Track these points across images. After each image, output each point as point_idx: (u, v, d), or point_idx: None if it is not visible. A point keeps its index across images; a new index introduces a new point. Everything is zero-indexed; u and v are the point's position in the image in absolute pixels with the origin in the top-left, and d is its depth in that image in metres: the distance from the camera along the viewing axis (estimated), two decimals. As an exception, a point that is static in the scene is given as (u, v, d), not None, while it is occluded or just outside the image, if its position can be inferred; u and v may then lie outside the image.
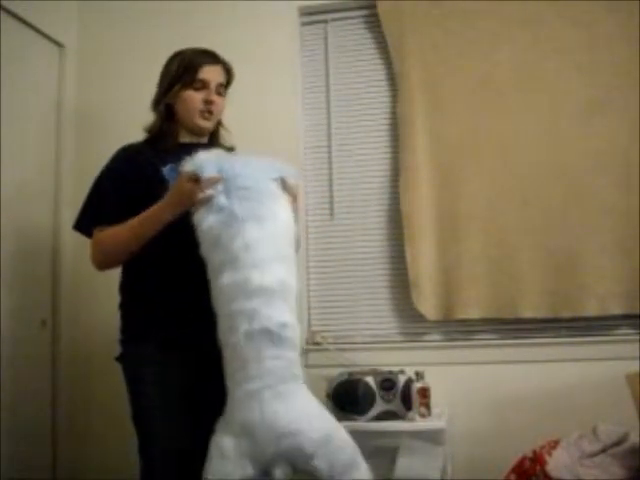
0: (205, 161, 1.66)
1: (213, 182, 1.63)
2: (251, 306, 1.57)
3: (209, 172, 1.63)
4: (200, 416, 1.69)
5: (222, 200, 1.62)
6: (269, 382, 1.56)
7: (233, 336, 1.58)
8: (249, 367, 1.56)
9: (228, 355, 1.60)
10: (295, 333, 1.64)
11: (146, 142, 1.94)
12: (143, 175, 1.83)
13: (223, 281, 1.60)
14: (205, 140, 1.98)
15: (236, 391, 1.57)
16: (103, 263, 1.85)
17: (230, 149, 2.04)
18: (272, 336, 1.57)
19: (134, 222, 1.74)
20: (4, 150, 2.38)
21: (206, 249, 1.64)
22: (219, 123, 2.02)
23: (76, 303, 2.71)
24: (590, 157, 2.47)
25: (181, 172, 1.68)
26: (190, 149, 1.90)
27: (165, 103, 1.92)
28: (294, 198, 1.77)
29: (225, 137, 2.03)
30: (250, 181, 1.65)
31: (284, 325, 1.59)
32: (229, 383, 1.60)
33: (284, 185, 1.73)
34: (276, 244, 1.64)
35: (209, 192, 1.62)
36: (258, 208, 1.63)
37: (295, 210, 1.77)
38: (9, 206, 2.40)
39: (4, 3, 2.40)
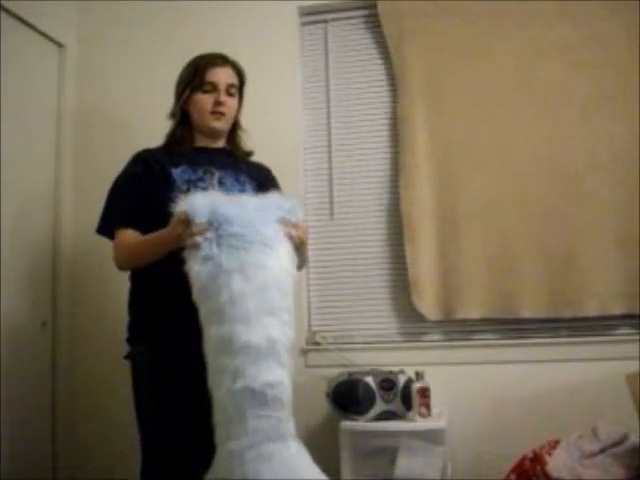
0: (198, 205, 1.60)
1: (201, 230, 1.58)
2: (235, 364, 1.51)
3: (200, 217, 1.57)
4: (204, 416, 1.69)
5: (211, 249, 1.56)
6: (252, 441, 1.49)
7: (217, 392, 1.54)
8: (232, 425, 1.51)
9: (214, 409, 1.55)
10: (284, 391, 1.56)
11: (162, 147, 1.98)
12: (154, 176, 1.86)
13: (210, 334, 1.56)
14: (221, 144, 2.01)
15: (220, 449, 1.53)
16: (123, 267, 1.87)
17: (248, 154, 2.05)
18: (256, 395, 1.51)
19: (142, 243, 1.78)
20: (4, 150, 2.38)
21: (196, 296, 1.59)
22: (236, 125, 2.03)
23: (76, 303, 2.71)
24: (590, 157, 2.47)
25: (175, 212, 1.63)
26: (205, 153, 1.93)
27: (179, 109, 1.95)
28: (299, 234, 1.71)
29: (244, 139, 2.05)
30: (243, 228, 1.58)
31: (270, 385, 1.52)
32: (215, 438, 1.55)
33: (286, 225, 1.67)
34: (265, 297, 1.56)
35: (197, 239, 1.57)
36: (248, 259, 1.56)
37: (301, 244, 1.73)
38: (9, 206, 2.40)
39: (4, 3, 2.39)
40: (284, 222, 1.66)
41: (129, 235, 1.82)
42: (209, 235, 1.57)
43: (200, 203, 1.60)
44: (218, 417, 1.54)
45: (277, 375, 1.54)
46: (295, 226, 1.69)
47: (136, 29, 2.86)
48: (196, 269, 1.57)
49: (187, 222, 1.59)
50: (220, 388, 1.53)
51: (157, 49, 2.80)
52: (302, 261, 1.83)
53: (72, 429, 2.65)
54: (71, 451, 2.63)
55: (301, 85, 2.79)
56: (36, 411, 2.51)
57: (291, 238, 1.67)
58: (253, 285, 1.55)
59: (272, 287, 1.58)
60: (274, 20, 2.77)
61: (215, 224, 1.57)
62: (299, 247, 1.72)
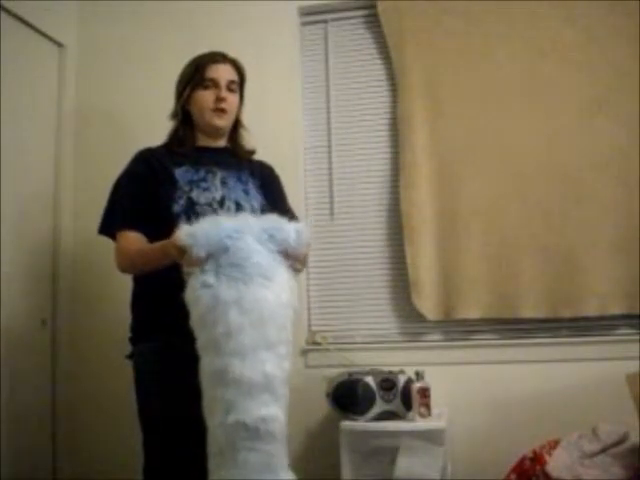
0: (198, 236, 1.55)
1: (196, 262, 1.55)
2: (228, 397, 1.50)
3: (199, 250, 1.53)
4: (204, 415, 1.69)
5: (209, 279, 1.53)
6: (243, 473, 1.49)
7: (210, 423, 1.53)
8: (224, 456, 1.51)
9: (207, 438, 1.55)
10: (278, 425, 1.54)
11: (164, 146, 1.97)
12: (157, 176, 1.86)
13: (205, 364, 1.55)
14: (223, 143, 2.00)
15: (211, 478, 1.53)
16: (125, 272, 1.87)
17: (250, 152, 2.05)
18: (248, 429, 1.49)
19: (143, 253, 1.77)
20: (4, 150, 2.38)
21: (193, 324, 1.57)
22: (238, 123, 2.03)
23: (76, 303, 2.71)
24: (590, 157, 2.47)
25: (176, 234, 1.59)
26: (207, 152, 1.93)
27: (181, 108, 1.95)
28: (300, 258, 1.69)
29: (246, 138, 2.04)
30: (243, 260, 1.55)
31: (263, 419, 1.51)
32: (208, 466, 1.54)
33: (289, 258, 1.63)
34: (263, 331, 1.53)
35: (192, 269, 1.56)
36: (246, 291, 1.53)
37: (301, 265, 1.71)
38: (9, 206, 2.40)
39: (4, 3, 2.39)
40: (287, 255, 1.63)
41: (131, 238, 1.82)
42: (209, 265, 1.54)
43: (201, 234, 1.56)
44: (210, 447, 1.54)
45: (271, 410, 1.53)
46: (298, 258, 1.66)
47: (136, 29, 2.86)
48: (194, 296, 1.55)
49: (183, 250, 1.56)
50: (213, 419, 1.52)
51: (157, 49, 2.80)
52: (300, 271, 1.82)
53: (72, 429, 2.65)
54: (71, 451, 2.64)
55: (301, 85, 2.79)
56: (36, 410, 2.51)
57: (294, 270, 1.65)
58: (250, 319, 1.53)
59: (270, 321, 1.55)
60: (274, 20, 2.77)
61: (215, 254, 1.55)
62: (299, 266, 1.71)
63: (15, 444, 2.32)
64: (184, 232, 1.57)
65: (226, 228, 1.57)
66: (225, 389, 1.50)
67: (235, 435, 1.49)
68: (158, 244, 1.70)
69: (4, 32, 2.40)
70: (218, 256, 1.54)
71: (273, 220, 1.66)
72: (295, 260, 1.66)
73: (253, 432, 1.49)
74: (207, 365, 1.54)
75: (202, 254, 1.54)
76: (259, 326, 1.53)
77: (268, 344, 1.54)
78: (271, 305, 1.56)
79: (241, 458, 1.49)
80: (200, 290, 1.54)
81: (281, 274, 1.60)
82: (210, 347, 1.54)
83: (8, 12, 2.43)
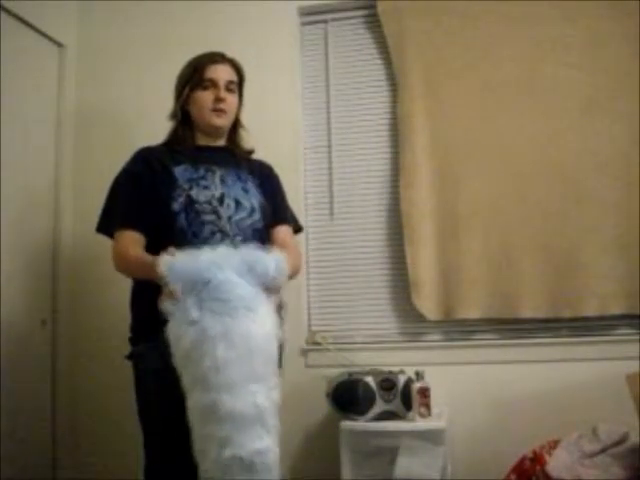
0: (176, 268, 1.55)
1: (171, 295, 1.55)
2: (222, 433, 1.50)
3: (175, 281, 1.54)
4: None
5: (193, 314, 1.53)
6: None
7: (203, 461, 1.53)
8: None
9: (200, 474, 1.54)
10: (272, 457, 1.55)
11: (164, 145, 1.98)
12: (155, 175, 1.86)
13: (194, 401, 1.54)
14: (222, 142, 2.00)
15: None
16: (119, 271, 1.86)
17: (249, 152, 2.05)
18: (244, 463, 1.50)
19: (135, 261, 1.77)
20: (4, 150, 2.38)
21: (177, 362, 1.56)
22: (237, 123, 2.03)
23: (76, 303, 2.71)
24: (590, 157, 2.47)
25: (158, 261, 1.58)
26: (206, 151, 1.93)
27: (180, 108, 1.95)
28: (279, 289, 1.69)
29: (245, 138, 2.04)
30: (226, 292, 1.55)
31: (258, 452, 1.51)
32: None
33: (270, 291, 1.64)
34: (251, 364, 1.54)
35: (170, 302, 1.55)
36: (233, 325, 1.53)
37: (280, 303, 1.71)
38: (9, 206, 2.40)
39: (4, 3, 2.39)
40: (268, 289, 1.63)
41: (128, 238, 1.82)
42: (190, 300, 1.54)
43: (178, 267, 1.55)
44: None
45: (265, 442, 1.53)
46: (277, 289, 1.67)
47: (136, 29, 2.86)
48: (178, 333, 1.54)
49: (162, 280, 1.56)
50: (207, 457, 1.52)
51: (157, 49, 2.80)
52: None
53: (72, 429, 2.65)
54: (71, 451, 2.64)
55: (301, 85, 2.79)
56: (36, 410, 2.51)
57: (276, 303, 1.66)
58: (238, 352, 1.52)
59: (257, 354, 1.55)
60: (274, 20, 2.77)
61: (196, 288, 1.54)
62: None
63: (15, 443, 2.31)
64: (162, 262, 1.57)
65: (204, 261, 1.57)
66: (217, 425, 1.50)
67: (231, 470, 1.49)
68: (151, 261, 1.68)
69: (4, 32, 2.40)
70: (199, 290, 1.54)
71: (252, 252, 1.65)
72: (274, 291, 1.66)
73: (249, 466, 1.50)
74: (196, 402, 1.53)
75: (177, 288, 1.54)
76: (247, 359, 1.53)
77: (257, 376, 1.54)
78: (257, 337, 1.56)
79: None
80: (185, 326, 1.53)
81: (263, 305, 1.61)
82: (198, 383, 1.53)
83: (8, 12, 2.43)
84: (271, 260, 1.64)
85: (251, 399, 1.52)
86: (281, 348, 1.84)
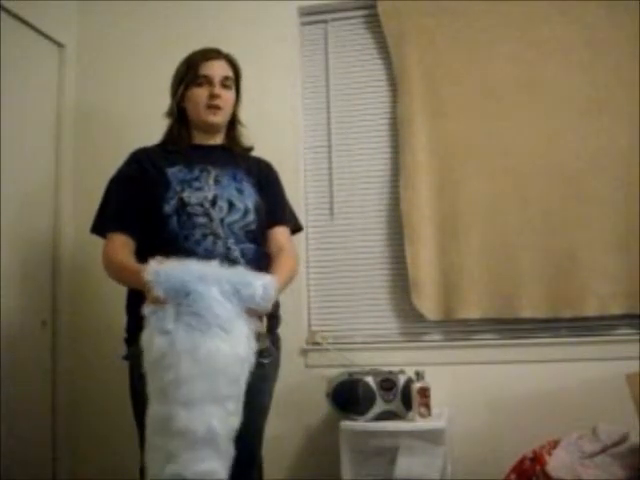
0: (162, 275, 1.54)
1: (154, 301, 1.54)
2: (169, 448, 1.46)
3: (159, 289, 1.53)
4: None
5: (168, 325, 1.51)
6: None
7: (149, 470, 1.50)
8: None
9: None
10: None
11: (159, 145, 1.97)
12: (148, 178, 1.85)
13: (152, 411, 1.52)
14: (219, 140, 1.99)
15: None
16: (107, 274, 1.86)
17: (247, 149, 2.04)
18: None
19: (122, 268, 1.76)
20: (4, 150, 2.38)
21: (145, 368, 1.55)
22: (235, 120, 2.01)
23: (76, 303, 2.71)
24: (590, 157, 2.47)
25: (145, 268, 1.58)
26: (202, 150, 1.92)
27: (176, 105, 1.94)
28: (264, 313, 1.67)
29: (243, 134, 2.03)
30: (203, 309, 1.52)
31: (203, 474, 1.46)
32: None
33: (253, 315, 1.62)
34: (213, 384, 1.50)
35: (151, 308, 1.54)
36: (201, 342, 1.50)
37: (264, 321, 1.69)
38: (9, 206, 2.40)
39: (4, 3, 2.39)
40: (252, 314, 1.61)
41: (118, 242, 1.82)
42: (168, 309, 1.52)
43: (165, 274, 1.54)
44: None
45: (212, 465, 1.49)
46: (262, 314, 1.65)
47: (136, 29, 2.86)
48: (150, 341, 1.53)
49: (147, 287, 1.55)
50: (151, 468, 1.49)
51: (157, 49, 2.80)
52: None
53: (72, 429, 2.65)
54: (71, 451, 2.64)
55: (301, 85, 2.79)
56: (36, 410, 2.51)
57: (256, 326, 1.63)
58: (202, 369, 1.49)
59: (221, 375, 1.51)
60: (274, 20, 2.76)
61: (176, 299, 1.53)
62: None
63: (15, 444, 2.31)
64: (149, 268, 1.56)
65: (190, 273, 1.55)
66: (167, 439, 1.47)
67: None
68: (134, 268, 1.68)
69: (4, 32, 2.39)
70: (179, 302, 1.52)
71: (242, 274, 1.63)
72: (258, 314, 1.64)
73: None
74: (152, 412, 1.52)
75: (161, 295, 1.53)
76: (210, 378, 1.50)
77: (217, 397, 1.51)
78: (225, 358, 1.53)
79: None
80: (157, 335, 1.52)
81: (241, 329, 1.57)
82: (158, 394, 1.51)
83: (8, 12, 2.43)
84: (259, 286, 1.61)
85: (207, 419, 1.48)
86: (277, 348, 1.83)
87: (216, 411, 1.50)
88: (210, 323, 1.52)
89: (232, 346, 1.54)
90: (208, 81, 1.91)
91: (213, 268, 1.61)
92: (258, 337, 1.63)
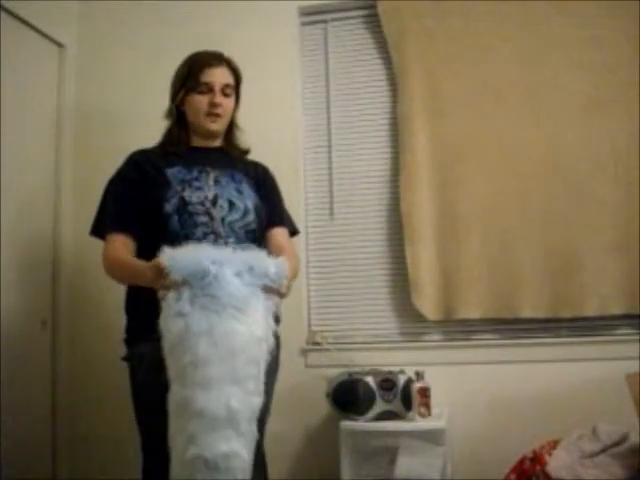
0: (179, 260, 1.54)
1: (175, 285, 1.54)
2: (190, 430, 1.48)
3: (177, 273, 1.53)
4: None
5: (185, 307, 1.52)
6: None
7: (172, 453, 1.52)
8: None
9: (170, 468, 1.53)
10: (239, 462, 1.51)
11: (158, 146, 1.97)
12: (147, 178, 1.86)
13: (172, 394, 1.53)
14: (217, 143, 2.00)
15: None
16: (108, 274, 1.86)
17: (244, 152, 2.04)
18: (208, 465, 1.47)
19: (123, 266, 1.77)
20: (4, 150, 2.38)
21: (165, 352, 1.56)
22: (233, 124, 2.02)
23: (76, 303, 2.71)
24: (590, 157, 2.47)
25: (158, 257, 1.58)
26: (200, 152, 1.93)
27: (175, 108, 1.95)
28: (280, 292, 1.66)
29: (240, 138, 2.03)
30: (218, 290, 1.53)
31: (224, 455, 1.48)
32: None
33: (269, 293, 1.62)
34: (231, 364, 1.51)
35: (168, 293, 1.54)
36: (218, 323, 1.51)
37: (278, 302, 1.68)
38: (9, 206, 2.40)
39: (4, 3, 2.39)
40: (268, 290, 1.61)
41: (117, 242, 1.82)
42: (185, 293, 1.53)
43: (182, 258, 1.55)
44: (172, 477, 1.53)
45: (233, 446, 1.50)
46: (278, 293, 1.65)
47: (136, 29, 2.86)
48: (167, 324, 1.54)
49: (161, 272, 1.55)
50: (174, 451, 1.51)
51: (157, 49, 2.80)
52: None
53: (72, 429, 2.65)
54: (71, 451, 2.63)
55: (301, 85, 2.79)
56: (36, 410, 2.51)
57: (273, 305, 1.63)
58: (219, 351, 1.50)
59: (239, 355, 1.52)
60: (274, 20, 2.77)
61: (193, 282, 1.53)
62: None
63: (15, 444, 2.31)
64: (165, 254, 1.56)
65: (206, 256, 1.56)
66: (188, 421, 1.49)
67: (195, 470, 1.47)
68: (138, 264, 1.70)
69: (4, 32, 2.40)
70: (195, 284, 1.53)
71: (254, 254, 1.65)
72: (275, 295, 1.64)
73: (212, 468, 1.47)
74: (173, 395, 1.53)
75: (179, 278, 1.53)
76: (228, 359, 1.51)
77: (235, 378, 1.52)
78: (242, 338, 1.53)
79: None
80: (174, 318, 1.53)
81: (257, 308, 1.58)
82: (177, 377, 1.52)
83: (8, 12, 2.43)
84: (271, 263, 1.63)
85: (225, 400, 1.49)
86: (277, 347, 1.83)
87: (235, 392, 1.51)
88: (225, 304, 1.53)
89: (248, 326, 1.55)
90: (209, 88, 1.91)
91: (224, 250, 1.64)
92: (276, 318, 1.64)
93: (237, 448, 1.50)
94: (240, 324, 1.54)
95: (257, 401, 1.57)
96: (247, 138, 2.06)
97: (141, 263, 1.70)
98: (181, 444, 1.50)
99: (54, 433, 2.59)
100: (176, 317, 1.53)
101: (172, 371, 1.54)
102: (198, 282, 1.53)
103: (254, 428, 1.55)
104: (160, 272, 1.55)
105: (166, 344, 1.55)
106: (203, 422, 1.48)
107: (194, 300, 1.53)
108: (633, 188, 2.42)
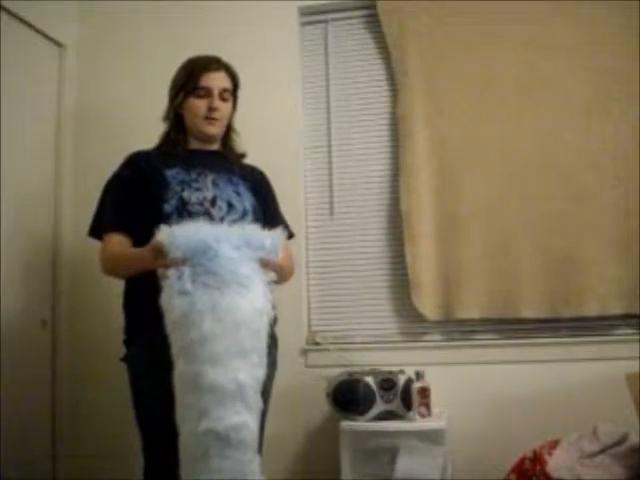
0: (177, 237, 1.55)
1: (176, 263, 1.54)
2: (200, 404, 1.50)
3: (176, 250, 1.53)
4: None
5: (185, 285, 1.53)
6: None
7: (182, 429, 1.53)
8: (196, 464, 1.51)
9: (179, 444, 1.54)
10: (249, 434, 1.54)
11: (156, 148, 1.98)
12: (146, 178, 1.86)
13: (178, 371, 1.54)
14: (215, 147, 2.00)
15: None
16: (106, 273, 1.87)
17: (241, 156, 2.05)
18: (220, 437, 1.49)
19: (122, 256, 1.78)
20: (4, 150, 2.38)
21: (168, 329, 1.56)
22: (230, 128, 2.03)
23: (76, 303, 2.71)
24: (590, 157, 2.47)
25: (155, 237, 1.59)
26: (198, 155, 1.93)
27: (173, 111, 1.96)
28: (276, 265, 1.67)
29: (237, 142, 2.04)
30: (220, 267, 1.54)
31: (234, 428, 1.50)
32: (180, 473, 1.55)
33: (265, 266, 1.63)
34: (236, 338, 1.53)
35: (168, 272, 1.54)
36: (221, 299, 1.53)
37: (281, 271, 1.70)
38: (9, 206, 2.40)
39: (4, 3, 2.40)
40: (264, 263, 1.63)
41: (115, 241, 1.82)
42: (185, 270, 1.53)
43: (181, 235, 1.55)
44: (182, 455, 1.54)
45: (243, 418, 1.52)
46: (274, 266, 1.66)
47: (136, 29, 2.86)
48: (169, 302, 1.54)
49: (161, 251, 1.56)
50: (185, 426, 1.52)
51: (157, 49, 2.80)
52: (284, 280, 1.83)
53: (72, 429, 2.65)
54: (71, 451, 2.63)
55: (301, 85, 2.79)
56: (36, 410, 2.51)
57: (272, 280, 1.65)
58: (224, 326, 1.52)
59: (243, 328, 1.54)
60: (274, 20, 2.77)
61: (194, 258, 1.54)
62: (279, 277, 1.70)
63: (15, 444, 2.31)
64: (163, 232, 1.57)
65: (205, 233, 1.57)
66: (198, 396, 1.50)
67: (207, 443, 1.49)
68: (135, 250, 1.71)
69: (4, 32, 2.40)
70: (195, 262, 1.54)
71: (249, 227, 1.68)
72: (272, 268, 1.65)
73: (224, 440, 1.49)
74: (180, 371, 1.54)
75: (178, 254, 1.54)
76: (232, 334, 1.53)
77: (241, 352, 1.54)
78: (246, 312, 1.55)
79: (214, 466, 1.49)
80: (176, 297, 1.53)
81: (257, 283, 1.60)
82: (183, 353, 1.54)
83: (8, 12, 2.43)
84: (267, 235, 1.66)
85: (233, 374, 1.51)
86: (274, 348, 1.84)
87: (242, 365, 1.53)
88: (228, 280, 1.54)
89: (251, 300, 1.57)
90: (207, 93, 1.92)
91: (222, 227, 1.66)
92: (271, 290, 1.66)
93: (247, 419, 1.53)
94: (242, 298, 1.56)
95: (261, 373, 1.59)
96: (247, 138, 2.07)
97: (138, 249, 1.70)
98: (191, 419, 1.51)
99: (54, 432, 2.59)
100: (179, 296, 1.53)
101: (176, 348, 1.55)
102: (199, 258, 1.54)
103: (259, 400, 1.58)
104: (159, 251, 1.56)
105: (169, 322, 1.56)
106: (214, 396, 1.50)
107: (195, 278, 1.54)
108: (633, 188, 2.42)
